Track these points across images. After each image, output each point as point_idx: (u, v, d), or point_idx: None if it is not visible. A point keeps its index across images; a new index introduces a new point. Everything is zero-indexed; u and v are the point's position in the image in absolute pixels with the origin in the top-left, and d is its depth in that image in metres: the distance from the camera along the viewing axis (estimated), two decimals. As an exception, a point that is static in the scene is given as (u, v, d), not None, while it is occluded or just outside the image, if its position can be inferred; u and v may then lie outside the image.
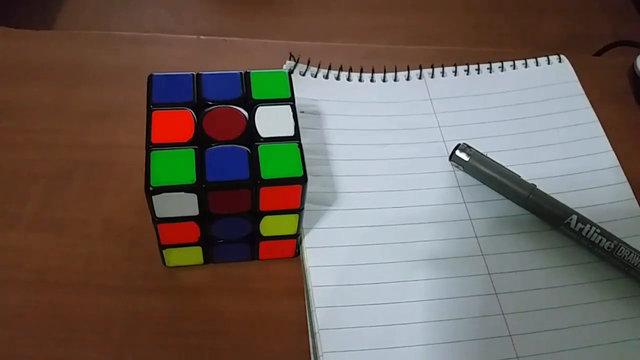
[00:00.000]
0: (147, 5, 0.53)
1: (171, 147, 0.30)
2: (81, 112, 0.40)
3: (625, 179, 0.38)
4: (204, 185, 0.29)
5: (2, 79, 0.41)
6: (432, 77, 0.43)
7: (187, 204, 0.29)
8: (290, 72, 0.40)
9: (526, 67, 0.44)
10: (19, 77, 0.41)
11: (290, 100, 0.32)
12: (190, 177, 0.29)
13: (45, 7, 0.52)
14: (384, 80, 0.43)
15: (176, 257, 0.33)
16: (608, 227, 0.34)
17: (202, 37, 0.45)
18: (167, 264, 0.33)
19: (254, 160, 0.30)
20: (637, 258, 0.33)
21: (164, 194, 0.28)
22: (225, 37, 0.45)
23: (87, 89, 0.41)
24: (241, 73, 0.33)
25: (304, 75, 0.42)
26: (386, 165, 0.38)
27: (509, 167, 0.37)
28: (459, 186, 0.37)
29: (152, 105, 0.31)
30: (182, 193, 0.28)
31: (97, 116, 0.40)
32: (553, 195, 0.36)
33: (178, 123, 0.30)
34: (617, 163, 0.39)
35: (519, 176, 0.36)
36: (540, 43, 0.52)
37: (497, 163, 0.37)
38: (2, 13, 0.50)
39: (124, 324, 0.31)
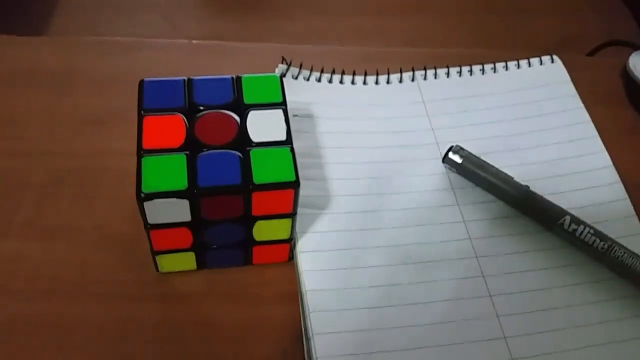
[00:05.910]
0: (139, 10, 0.53)
1: (162, 152, 0.29)
2: (73, 119, 0.40)
3: (618, 179, 0.38)
4: (195, 191, 0.28)
5: (-7, 85, 0.41)
6: (424, 79, 0.43)
7: (179, 210, 0.29)
8: (283, 75, 0.40)
9: (518, 68, 0.44)
10: (10, 83, 0.41)
11: (282, 105, 0.32)
12: (182, 182, 0.28)
13: (36, 13, 0.52)
14: (376, 83, 0.43)
15: (169, 263, 0.33)
16: (602, 228, 0.34)
17: (194, 41, 0.45)
18: (160, 270, 0.33)
19: (246, 165, 0.29)
20: (631, 258, 0.33)
21: (155, 200, 0.28)
22: (218, 41, 0.45)
23: (79, 95, 0.41)
24: (232, 77, 0.33)
25: (296, 78, 0.42)
26: (379, 167, 0.38)
27: (502, 169, 0.37)
28: (452, 188, 0.37)
29: (143, 110, 0.31)
30: (174, 199, 0.28)
31: (89, 123, 0.39)
32: (546, 197, 0.36)
33: (169, 128, 0.30)
34: (611, 163, 0.39)
35: (512, 177, 0.36)
36: (532, 44, 0.52)
37: (490, 165, 0.37)
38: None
39: (117, 331, 0.31)
